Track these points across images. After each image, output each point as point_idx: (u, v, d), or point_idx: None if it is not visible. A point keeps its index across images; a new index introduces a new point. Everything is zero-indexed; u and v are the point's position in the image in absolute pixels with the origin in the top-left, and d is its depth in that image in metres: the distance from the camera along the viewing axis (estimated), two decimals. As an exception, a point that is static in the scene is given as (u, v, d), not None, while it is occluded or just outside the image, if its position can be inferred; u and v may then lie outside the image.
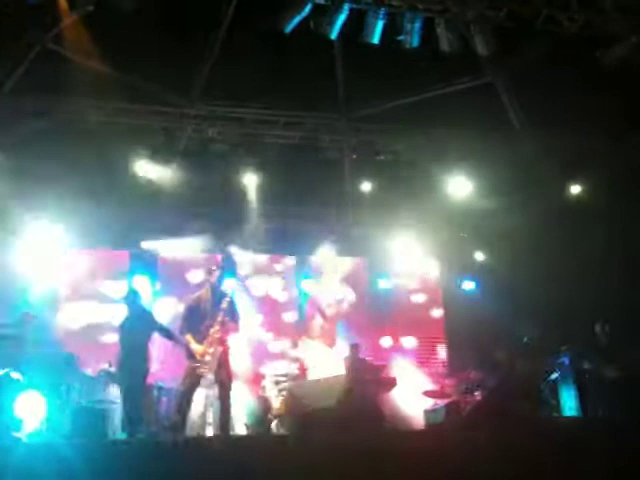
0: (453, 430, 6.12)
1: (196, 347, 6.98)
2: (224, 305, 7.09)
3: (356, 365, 10.12)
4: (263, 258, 12.95)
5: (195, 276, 11.84)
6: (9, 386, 7.57)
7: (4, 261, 10.50)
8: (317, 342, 11.56)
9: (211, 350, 6.92)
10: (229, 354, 7.23)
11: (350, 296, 12.91)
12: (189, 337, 7.09)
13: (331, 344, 11.63)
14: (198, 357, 6.92)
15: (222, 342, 7.09)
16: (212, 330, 6.97)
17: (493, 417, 5.52)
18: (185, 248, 12.27)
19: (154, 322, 7.87)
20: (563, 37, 8.32)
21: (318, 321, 12.27)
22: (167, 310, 11.22)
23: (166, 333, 7.74)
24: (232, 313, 7.24)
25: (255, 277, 12.81)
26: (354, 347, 10.65)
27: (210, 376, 7.15)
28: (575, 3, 8.21)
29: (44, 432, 7.80)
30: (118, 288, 11.87)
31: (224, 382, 7.09)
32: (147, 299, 11.38)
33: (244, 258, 12.68)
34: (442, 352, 12.78)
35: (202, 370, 6.90)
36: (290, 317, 12.68)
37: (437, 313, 13.11)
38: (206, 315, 7.14)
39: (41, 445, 6.41)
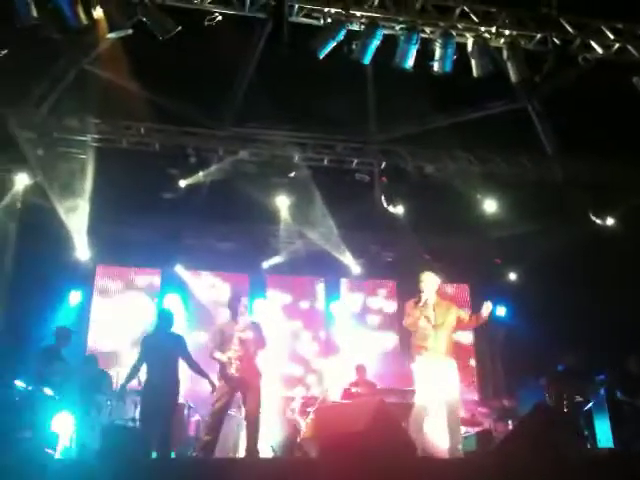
0: (485, 459, 6.05)
1: (221, 356, 7.20)
2: (250, 331, 7.33)
3: (368, 388, 10.10)
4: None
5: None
6: (44, 402, 7.64)
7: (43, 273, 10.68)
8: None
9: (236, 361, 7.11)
10: (259, 377, 7.32)
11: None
12: (218, 354, 7.26)
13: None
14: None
15: (250, 365, 7.20)
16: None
17: (526, 447, 5.43)
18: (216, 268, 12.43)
19: (185, 348, 7.86)
20: (598, 62, 8.29)
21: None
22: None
23: (193, 363, 7.77)
24: (259, 339, 7.41)
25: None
26: (360, 369, 10.61)
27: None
28: (609, 30, 8.20)
29: (74, 450, 7.87)
30: (150, 306, 12.05)
31: (251, 407, 7.20)
32: (181, 318, 11.53)
33: (274, 278, 12.79)
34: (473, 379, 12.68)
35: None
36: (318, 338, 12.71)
37: (467, 339, 13.01)
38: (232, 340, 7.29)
39: (72, 463, 6.46)
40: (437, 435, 7.17)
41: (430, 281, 7.00)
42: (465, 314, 7.17)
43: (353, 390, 10.10)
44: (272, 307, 12.59)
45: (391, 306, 13.28)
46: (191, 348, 8.04)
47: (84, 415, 8.61)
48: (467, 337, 12.97)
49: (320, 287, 13.23)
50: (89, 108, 9.94)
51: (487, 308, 6.86)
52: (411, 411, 6.81)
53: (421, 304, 6.89)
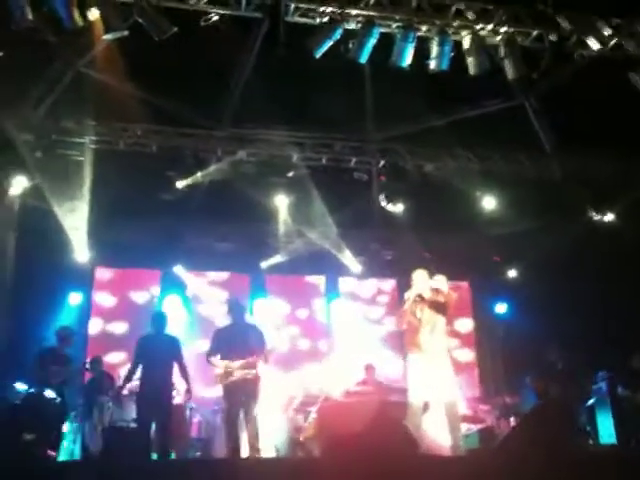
0: (488, 456, 6.05)
1: (217, 361, 7.35)
2: (251, 334, 7.46)
3: (377, 387, 10.09)
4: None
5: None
6: (45, 404, 7.64)
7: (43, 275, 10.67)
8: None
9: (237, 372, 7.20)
10: (259, 380, 7.42)
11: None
12: (214, 360, 7.42)
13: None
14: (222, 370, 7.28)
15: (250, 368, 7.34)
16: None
17: (529, 444, 5.43)
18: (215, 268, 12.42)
19: (179, 350, 7.81)
20: (595, 59, 8.29)
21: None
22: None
23: (183, 367, 7.73)
24: (259, 342, 7.50)
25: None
26: (369, 368, 10.60)
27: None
28: (604, 26, 8.19)
29: (77, 451, 7.87)
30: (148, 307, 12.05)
31: (251, 409, 7.30)
32: (182, 319, 11.53)
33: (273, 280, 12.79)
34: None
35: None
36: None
37: (467, 327, 13.00)
38: (232, 342, 7.41)
39: (73, 464, 6.46)
40: (438, 433, 7.16)
41: (420, 279, 7.00)
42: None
43: (359, 389, 10.09)
44: (272, 308, 12.57)
45: (391, 304, 13.26)
46: (192, 355, 8.03)
47: (86, 417, 8.62)
48: (466, 326, 12.93)
49: (319, 288, 13.21)
50: (86, 110, 9.93)
51: (440, 281, 6.87)
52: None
53: (410, 301, 6.89)
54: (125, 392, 8.14)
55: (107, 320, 12.00)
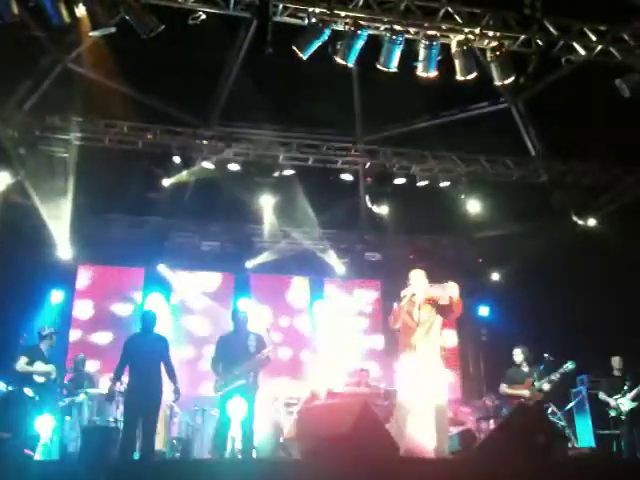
0: (467, 459, 6.08)
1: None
2: (252, 342, 7.73)
3: (366, 390, 10.08)
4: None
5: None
6: (24, 403, 7.57)
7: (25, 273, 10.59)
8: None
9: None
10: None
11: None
12: (217, 367, 7.75)
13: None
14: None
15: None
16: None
17: (507, 447, 5.45)
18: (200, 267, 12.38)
19: (166, 350, 7.80)
20: (581, 64, 8.34)
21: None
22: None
23: (171, 368, 7.71)
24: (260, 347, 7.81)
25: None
26: (362, 372, 10.60)
27: None
28: (591, 32, 8.25)
29: (54, 451, 7.81)
30: (130, 307, 11.97)
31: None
32: (165, 317, 11.46)
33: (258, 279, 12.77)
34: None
35: None
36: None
37: (451, 338, 13.05)
38: (235, 348, 7.71)
39: (51, 464, 6.41)
40: (422, 435, 7.14)
41: (417, 279, 6.94)
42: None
43: (343, 390, 10.10)
44: (257, 308, 12.53)
45: (376, 306, 13.28)
46: (174, 356, 8.02)
47: (65, 415, 8.55)
48: (452, 340, 13.00)
49: (303, 289, 13.20)
50: (72, 106, 9.86)
51: (451, 287, 6.80)
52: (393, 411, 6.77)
53: (406, 301, 6.84)
54: (118, 388, 8.07)
55: (86, 331, 11.87)
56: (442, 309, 6.84)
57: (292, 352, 12.58)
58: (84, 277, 12.21)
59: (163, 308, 11.88)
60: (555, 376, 8.69)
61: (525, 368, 8.93)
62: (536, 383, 8.73)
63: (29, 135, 9.90)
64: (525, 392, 8.75)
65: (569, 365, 8.72)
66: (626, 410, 9.03)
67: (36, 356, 8.39)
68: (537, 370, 8.85)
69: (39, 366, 8.29)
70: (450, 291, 6.67)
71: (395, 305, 7.02)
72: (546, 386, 8.70)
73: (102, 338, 11.80)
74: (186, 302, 12.46)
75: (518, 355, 9.00)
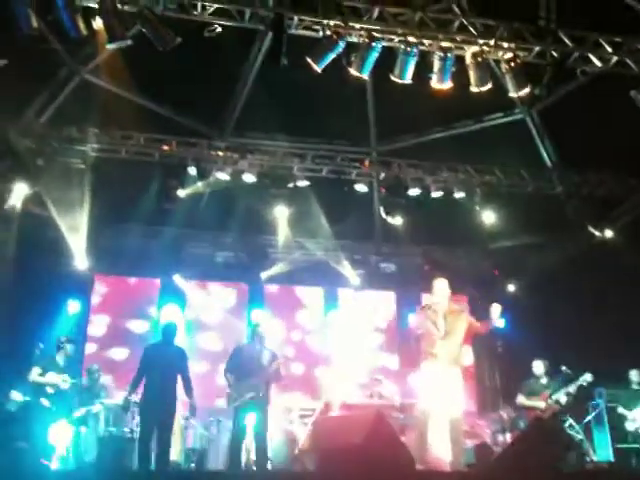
0: (483, 473, 6.02)
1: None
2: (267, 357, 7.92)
3: (380, 402, 10.02)
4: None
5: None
6: (41, 413, 7.61)
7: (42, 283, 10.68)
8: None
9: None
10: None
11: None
12: (229, 376, 7.84)
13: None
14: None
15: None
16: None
17: (523, 460, 5.40)
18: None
19: (185, 362, 7.79)
20: (597, 75, 8.32)
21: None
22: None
23: (188, 380, 7.69)
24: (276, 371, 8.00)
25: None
26: (375, 381, 10.54)
27: None
28: (607, 43, 8.22)
29: (71, 460, 7.83)
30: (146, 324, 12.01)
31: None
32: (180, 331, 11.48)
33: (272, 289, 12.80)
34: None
35: None
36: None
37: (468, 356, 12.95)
38: (249, 360, 7.84)
39: (68, 473, 6.43)
40: (440, 447, 7.10)
41: (441, 288, 6.94)
42: (476, 321, 7.10)
43: (357, 402, 10.06)
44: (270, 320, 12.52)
45: (391, 322, 13.24)
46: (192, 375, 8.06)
47: (81, 425, 8.58)
48: (469, 358, 12.87)
49: (316, 300, 13.19)
50: (89, 118, 9.96)
51: (496, 310, 6.84)
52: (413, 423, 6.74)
53: (430, 309, 6.85)
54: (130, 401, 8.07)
55: (102, 346, 11.93)
56: (462, 317, 6.87)
57: (305, 367, 12.55)
58: (100, 289, 12.29)
59: (179, 320, 11.91)
60: (572, 388, 8.62)
61: (543, 380, 8.87)
62: (553, 395, 8.67)
63: (46, 146, 10.00)
64: (541, 404, 8.69)
65: (586, 377, 8.65)
66: (644, 424, 8.93)
67: (50, 366, 8.41)
68: (554, 382, 8.79)
69: (50, 377, 8.29)
70: (494, 313, 6.76)
71: (418, 309, 7.03)
72: (563, 398, 8.63)
73: (118, 354, 11.84)
74: (200, 317, 12.48)
75: (538, 367, 8.95)
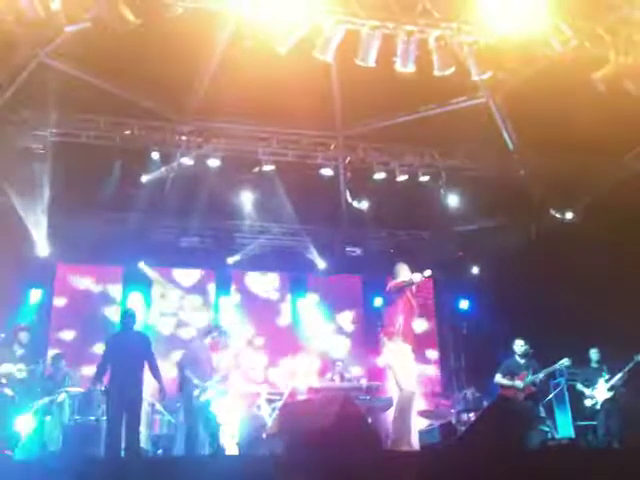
0: (447, 451, 6.12)
1: None
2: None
3: (347, 385, 10.12)
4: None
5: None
6: (3, 403, 7.48)
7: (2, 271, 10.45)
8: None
9: None
10: None
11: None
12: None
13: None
14: None
15: None
16: None
17: (487, 439, 5.51)
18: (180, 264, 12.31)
19: (149, 348, 7.78)
20: (558, 59, 8.40)
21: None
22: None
23: (155, 365, 7.71)
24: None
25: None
26: (338, 364, 10.63)
27: None
28: (566, 27, 8.30)
29: (35, 449, 7.74)
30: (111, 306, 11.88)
31: None
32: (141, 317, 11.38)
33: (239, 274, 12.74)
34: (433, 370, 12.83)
35: None
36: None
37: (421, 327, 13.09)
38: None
39: (31, 463, 6.35)
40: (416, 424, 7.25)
41: (404, 272, 7.16)
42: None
43: (323, 385, 10.13)
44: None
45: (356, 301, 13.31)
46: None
47: (45, 415, 8.47)
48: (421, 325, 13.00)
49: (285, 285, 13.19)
50: (47, 101, 9.73)
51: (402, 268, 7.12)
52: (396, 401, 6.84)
53: (407, 284, 7.04)
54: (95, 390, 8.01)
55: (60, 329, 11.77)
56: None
57: (271, 352, 12.54)
58: (62, 276, 12.09)
59: (142, 308, 11.81)
60: (549, 371, 8.87)
61: (522, 360, 9.03)
62: (530, 376, 8.86)
63: (4, 131, 9.76)
64: (518, 383, 8.88)
65: (565, 362, 8.91)
66: (601, 400, 9.17)
67: (6, 356, 8.24)
68: (532, 363, 8.97)
69: (5, 367, 8.12)
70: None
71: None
72: (538, 380, 8.86)
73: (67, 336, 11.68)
74: (164, 304, 12.39)
75: (520, 346, 9.09)
